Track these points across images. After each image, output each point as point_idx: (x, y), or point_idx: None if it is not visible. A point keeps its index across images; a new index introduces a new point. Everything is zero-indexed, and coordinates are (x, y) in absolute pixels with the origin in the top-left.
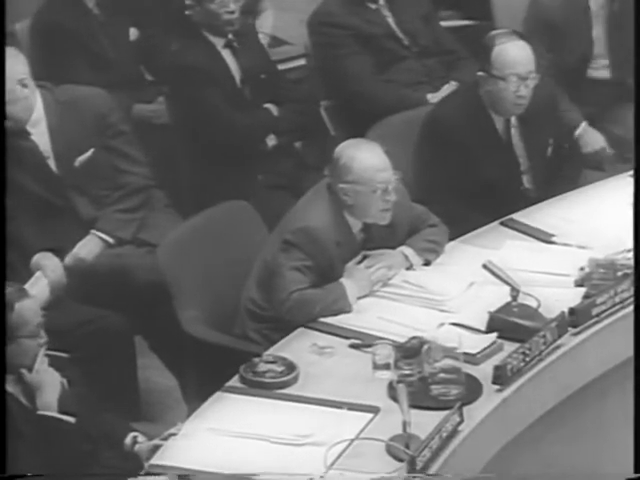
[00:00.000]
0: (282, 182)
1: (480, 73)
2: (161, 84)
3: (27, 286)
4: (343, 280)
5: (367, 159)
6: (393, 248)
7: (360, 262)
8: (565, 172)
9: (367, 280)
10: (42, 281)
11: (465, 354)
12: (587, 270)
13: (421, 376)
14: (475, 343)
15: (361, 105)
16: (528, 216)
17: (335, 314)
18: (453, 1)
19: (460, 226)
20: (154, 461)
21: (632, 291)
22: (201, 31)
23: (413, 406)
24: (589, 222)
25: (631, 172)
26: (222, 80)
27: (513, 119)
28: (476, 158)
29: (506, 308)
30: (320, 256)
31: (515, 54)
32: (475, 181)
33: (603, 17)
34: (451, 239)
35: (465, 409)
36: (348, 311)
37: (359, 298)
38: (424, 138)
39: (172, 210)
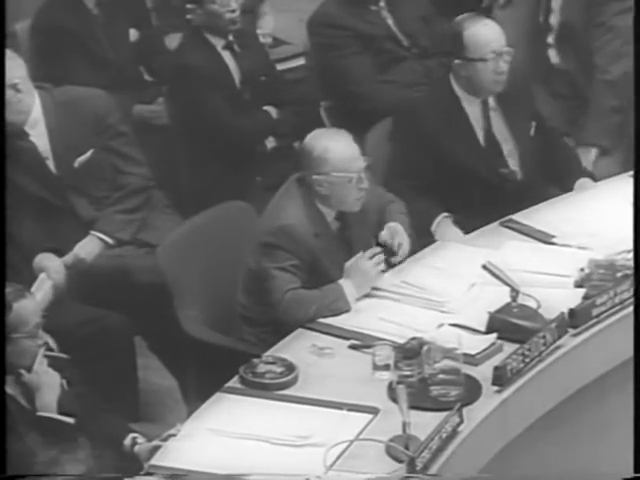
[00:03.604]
0: (281, 184)
1: (456, 61)
2: (161, 85)
3: (33, 289)
4: (341, 281)
5: (341, 149)
6: (367, 232)
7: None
8: (551, 153)
9: (366, 277)
10: (47, 283)
11: (465, 355)
12: (587, 271)
13: (421, 377)
14: (475, 344)
15: (361, 106)
16: (528, 217)
17: (333, 314)
18: (453, 6)
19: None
20: (154, 462)
21: (632, 292)
22: (201, 32)
23: (413, 407)
24: (589, 223)
25: (631, 172)
26: (222, 82)
27: (491, 102)
28: (456, 147)
29: (506, 309)
30: (302, 251)
31: (487, 33)
32: (457, 170)
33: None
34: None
35: (465, 410)
36: (347, 311)
37: (359, 299)
38: (398, 134)
39: (172, 211)
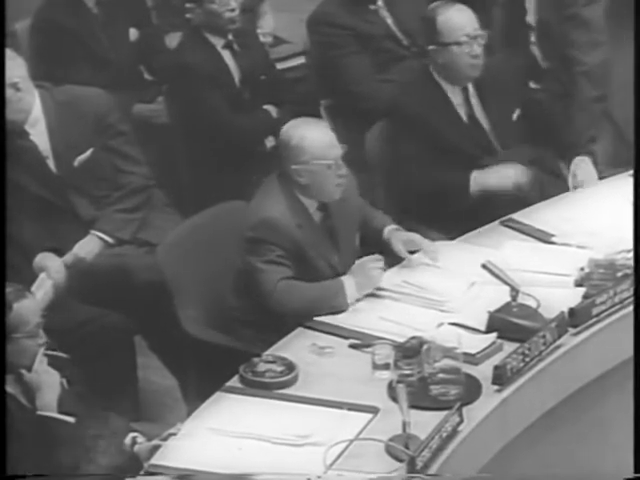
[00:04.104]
0: None
1: (431, 47)
2: (161, 84)
3: (33, 288)
4: (344, 278)
5: (318, 137)
6: (350, 222)
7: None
8: (534, 135)
9: (370, 279)
10: (47, 283)
11: (465, 354)
12: (587, 270)
13: (421, 376)
14: (475, 343)
15: (360, 105)
16: (528, 216)
17: (330, 311)
18: None
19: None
20: (154, 461)
21: (632, 291)
22: (201, 32)
23: (413, 406)
24: (589, 222)
25: (631, 172)
26: (222, 81)
27: (471, 88)
28: (443, 137)
29: (506, 308)
30: (286, 242)
31: (460, 17)
32: (447, 160)
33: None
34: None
35: (465, 409)
36: (344, 309)
37: (360, 299)
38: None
39: (172, 210)
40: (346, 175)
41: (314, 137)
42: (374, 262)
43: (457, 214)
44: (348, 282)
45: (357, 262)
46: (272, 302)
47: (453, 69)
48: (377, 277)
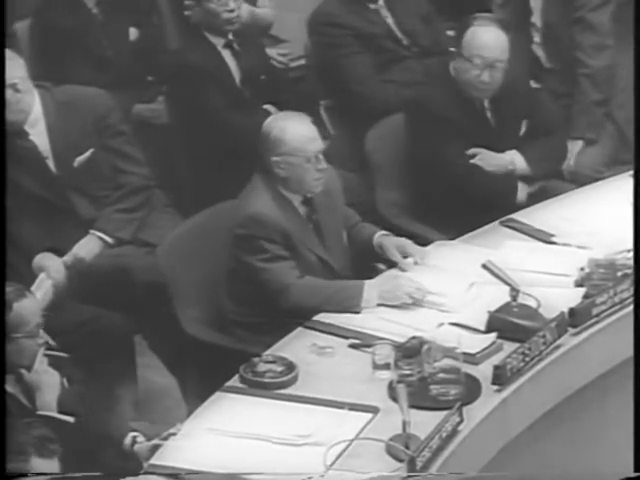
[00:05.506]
0: None
1: (452, 49)
2: (161, 84)
3: (33, 288)
4: (367, 282)
5: (298, 129)
6: (335, 219)
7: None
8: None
9: (396, 293)
10: (46, 283)
11: (465, 354)
12: (587, 270)
13: (421, 376)
14: (475, 343)
15: (361, 105)
16: (528, 216)
17: (341, 311)
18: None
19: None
20: (153, 461)
21: (632, 291)
22: (201, 31)
23: (413, 406)
24: (589, 222)
25: (631, 172)
26: (222, 80)
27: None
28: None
29: (506, 308)
30: (276, 236)
31: (486, 38)
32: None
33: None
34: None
35: (465, 409)
36: (356, 312)
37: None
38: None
39: (172, 210)
40: (326, 169)
41: (295, 130)
42: (408, 280)
43: (459, 210)
44: (370, 288)
45: (393, 273)
46: (284, 300)
47: (462, 79)
48: (404, 294)
